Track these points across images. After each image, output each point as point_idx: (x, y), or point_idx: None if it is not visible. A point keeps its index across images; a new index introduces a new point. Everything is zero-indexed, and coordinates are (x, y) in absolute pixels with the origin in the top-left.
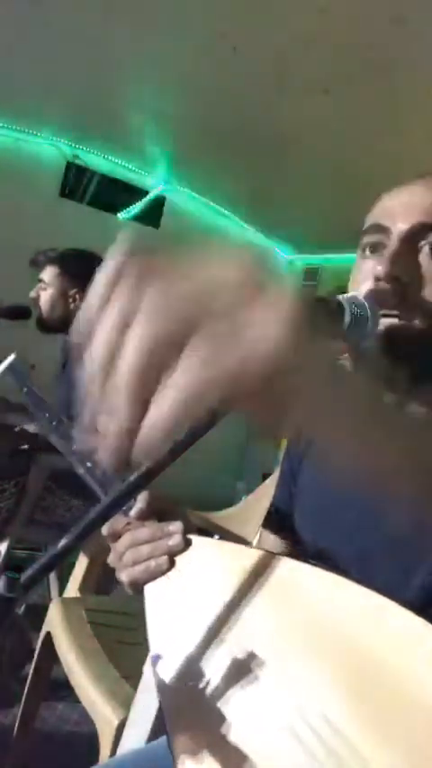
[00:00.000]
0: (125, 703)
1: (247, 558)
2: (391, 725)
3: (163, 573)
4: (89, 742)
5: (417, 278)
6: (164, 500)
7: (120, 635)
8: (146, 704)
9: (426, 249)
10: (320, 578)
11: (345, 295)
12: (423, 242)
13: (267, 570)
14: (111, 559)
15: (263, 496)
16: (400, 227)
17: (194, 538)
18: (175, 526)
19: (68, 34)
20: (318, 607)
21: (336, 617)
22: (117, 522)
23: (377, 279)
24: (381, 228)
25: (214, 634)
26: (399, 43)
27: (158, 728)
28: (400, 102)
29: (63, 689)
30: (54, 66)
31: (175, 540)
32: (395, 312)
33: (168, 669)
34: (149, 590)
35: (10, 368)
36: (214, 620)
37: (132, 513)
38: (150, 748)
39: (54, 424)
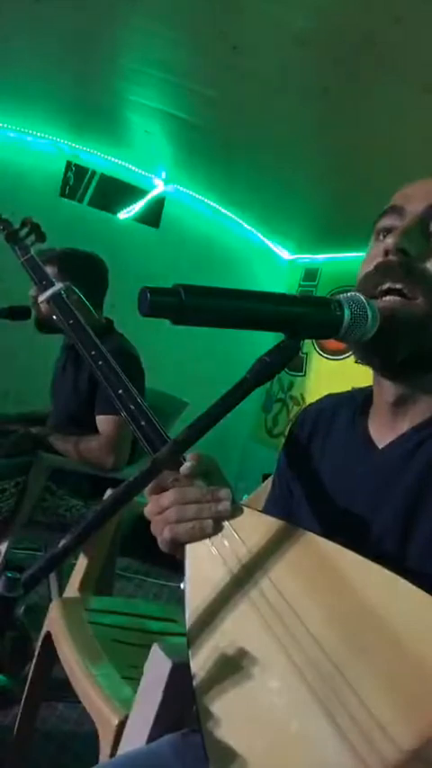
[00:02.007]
0: (125, 703)
1: (294, 537)
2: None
3: (206, 536)
4: (89, 742)
5: (425, 254)
6: (213, 462)
7: (120, 635)
8: (146, 704)
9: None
10: (371, 571)
11: (345, 295)
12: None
13: (316, 553)
14: (149, 511)
15: (263, 496)
16: (414, 207)
17: (245, 508)
18: (226, 492)
19: (69, 34)
20: (369, 604)
21: (389, 620)
22: (163, 475)
23: (386, 253)
24: (396, 209)
25: (258, 613)
26: (399, 43)
27: (158, 728)
28: (401, 102)
29: (63, 689)
30: (54, 65)
31: (224, 505)
32: (399, 286)
33: (205, 642)
34: (191, 551)
35: (56, 295)
36: (259, 597)
37: (183, 469)
38: (150, 748)
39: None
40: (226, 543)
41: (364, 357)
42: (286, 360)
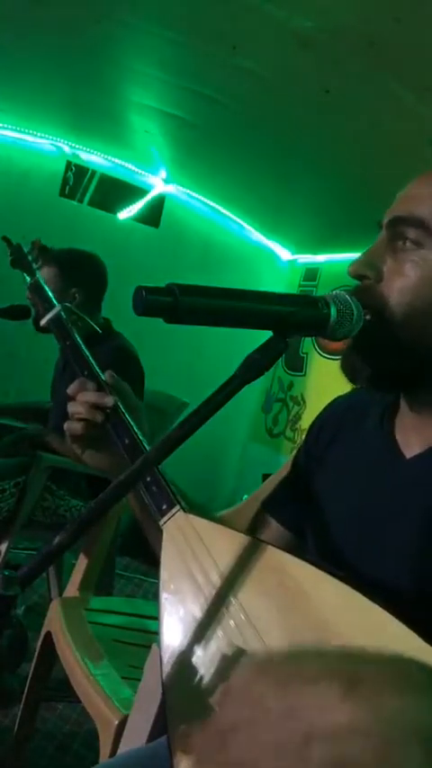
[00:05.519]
0: (125, 703)
1: (264, 554)
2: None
3: (95, 424)
4: (89, 742)
5: (386, 274)
6: (127, 389)
7: (120, 635)
8: (146, 704)
9: (394, 243)
10: (337, 592)
11: (331, 293)
12: (394, 236)
13: (282, 571)
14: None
15: (263, 497)
16: (384, 223)
17: (215, 525)
18: (111, 399)
19: (68, 34)
20: (330, 627)
21: (353, 648)
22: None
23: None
24: (379, 226)
25: (220, 627)
26: (399, 43)
27: (158, 728)
28: (401, 102)
29: (63, 689)
30: (54, 66)
31: (109, 400)
32: (365, 311)
33: (173, 660)
34: (163, 559)
35: (57, 317)
36: (223, 613)
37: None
38: (150, 748)
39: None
40: (196, 564)
41: (347, 372)
42: (273, 358)
